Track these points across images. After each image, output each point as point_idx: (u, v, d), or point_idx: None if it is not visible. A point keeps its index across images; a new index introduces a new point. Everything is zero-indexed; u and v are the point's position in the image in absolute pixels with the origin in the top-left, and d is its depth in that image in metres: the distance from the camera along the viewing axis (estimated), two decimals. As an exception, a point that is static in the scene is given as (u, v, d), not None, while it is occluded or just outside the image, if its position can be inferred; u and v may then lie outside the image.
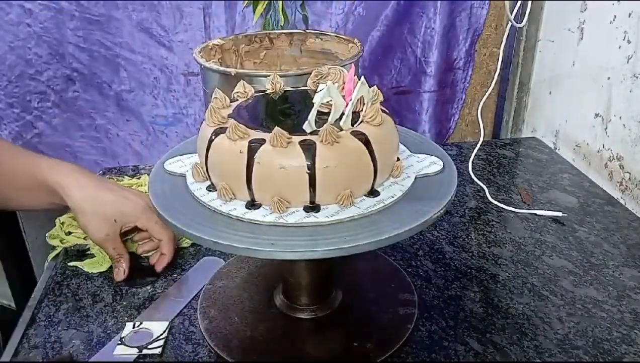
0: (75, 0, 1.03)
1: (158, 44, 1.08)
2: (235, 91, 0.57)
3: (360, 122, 0.49)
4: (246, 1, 1.05)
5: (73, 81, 1.11)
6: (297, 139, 0.46)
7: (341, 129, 0.47)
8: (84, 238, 0.73)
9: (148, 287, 0.67)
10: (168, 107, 1.14)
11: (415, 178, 0.52)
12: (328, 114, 0.48)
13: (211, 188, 0.50)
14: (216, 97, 0.52)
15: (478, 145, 0.96)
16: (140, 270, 0.69)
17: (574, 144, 1.01)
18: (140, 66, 1.10)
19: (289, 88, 0.60)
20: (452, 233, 0.77)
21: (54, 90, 1.11)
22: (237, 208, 0.47)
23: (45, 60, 1.09)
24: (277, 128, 0.45)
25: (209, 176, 0.50)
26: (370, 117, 0.48)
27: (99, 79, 1.11)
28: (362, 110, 0.50)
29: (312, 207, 0.46)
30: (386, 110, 0.53)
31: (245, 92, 0.56)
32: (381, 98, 0.52)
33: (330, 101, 0.48)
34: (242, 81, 0.57)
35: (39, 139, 1.16)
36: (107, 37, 1.07)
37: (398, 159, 0.53)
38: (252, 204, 0.47)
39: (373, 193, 0.49)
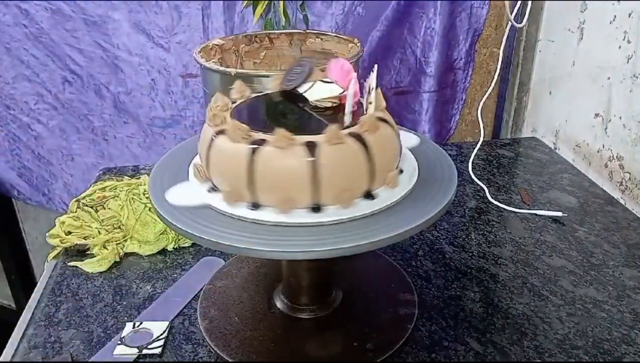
0: (72, 1, 1.03)
1: (156, 45, 1.07)
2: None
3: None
4: (245, 2, 1.05)
5: (70, 83, 1.10)
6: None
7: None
8: (84, 238, 0.73)
9: (148, 287, 0.67)
10: (166, 109, 1.13)
11: (416, 178, 0.52)
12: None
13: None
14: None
15: (478, 145, 0.96)
16: None
17: (574, 144, 1.01)
18: (138, 68, 1.09)
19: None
20: (452, 233, 0.77)
21: (51, 92, 1.11)
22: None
23: (41, 61, 1.08)
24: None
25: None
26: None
27: (96, 81, 1.10)
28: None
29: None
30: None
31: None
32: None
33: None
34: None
35: (36, 142, 1.16)
36: (104, 38, 1.06)
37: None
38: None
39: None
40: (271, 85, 0.58)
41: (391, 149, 0.50)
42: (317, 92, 0.53)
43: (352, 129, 0.47)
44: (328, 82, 0.54)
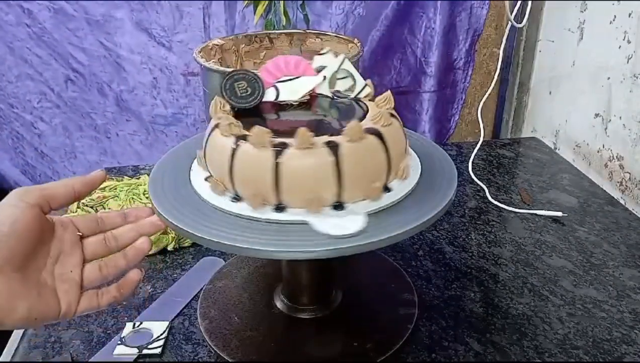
0: (74, 1, 1.04)
1: (158, 44, 1.08)
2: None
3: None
4: (246, 1, 1.05)
5: (72, 81, 1.12)
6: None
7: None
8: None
9: (148, 287, 0.67)
10: (168, 107, 1.14)
11: (418, 179, 0.52)
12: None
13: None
14: (219, 104, 0.52)
15: (478, 145, 0.96)
16: None
17: (574, 144, 1.01)
18: (140, 66, 1.10)
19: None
20: (452, 233, 0.77)
21: (54, 90, 1.12)
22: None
23: (44, 60, 1.09)
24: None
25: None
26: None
27: (98, 79, 1.12)
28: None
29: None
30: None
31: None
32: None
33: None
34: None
35: (40, 140, 1.17)
36: (106, 37, 1.07)
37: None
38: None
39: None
40: None
41: (402, 141, 0.52)
42: (298, 89, 0.55)
43: (369, 125, 0.48)
44: (296, 78, 0.55)
